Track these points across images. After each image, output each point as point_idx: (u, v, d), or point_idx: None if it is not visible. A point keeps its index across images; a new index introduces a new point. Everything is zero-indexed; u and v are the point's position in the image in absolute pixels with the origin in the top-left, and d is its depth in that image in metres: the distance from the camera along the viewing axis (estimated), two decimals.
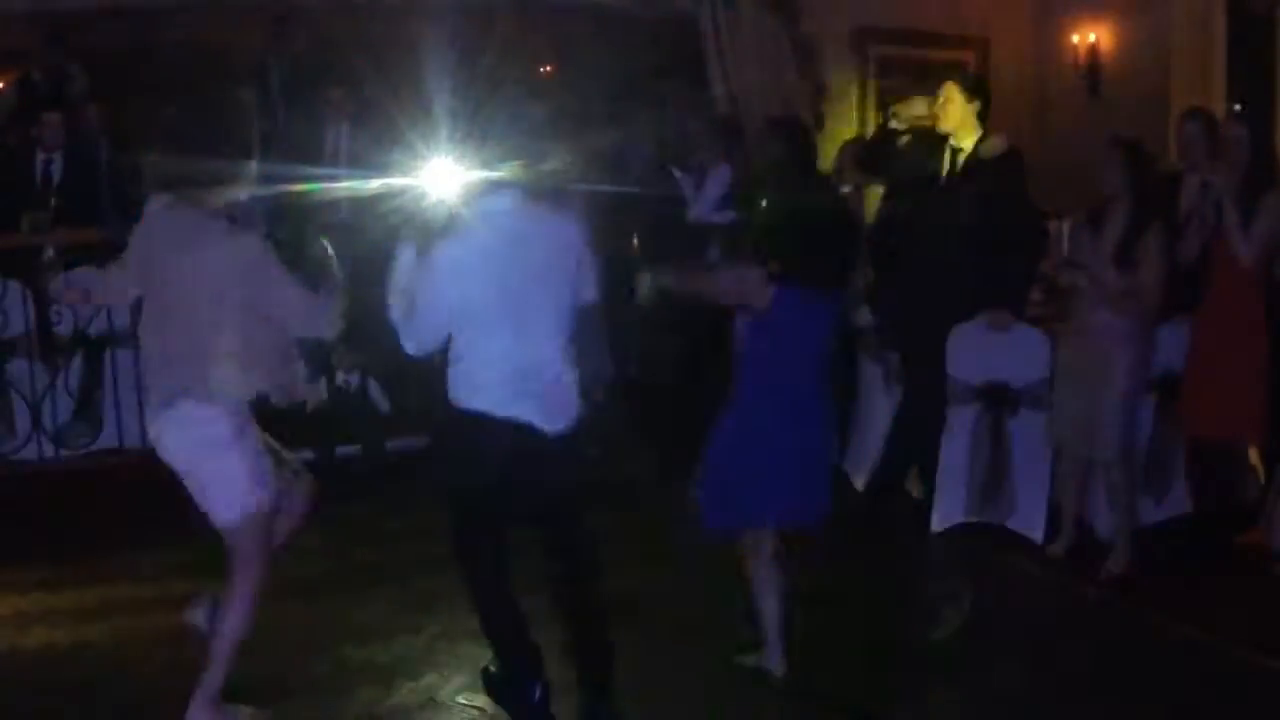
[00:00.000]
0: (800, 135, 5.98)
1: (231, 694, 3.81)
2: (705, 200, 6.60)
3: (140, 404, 6.14)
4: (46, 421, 6.13)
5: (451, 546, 3.56)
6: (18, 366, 6.24)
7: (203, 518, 3.56)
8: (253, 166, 3.45)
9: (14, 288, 6.25)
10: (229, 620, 3.47)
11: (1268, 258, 4.82)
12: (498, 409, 3.35)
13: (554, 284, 3.45)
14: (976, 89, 5.24)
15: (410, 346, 3.41)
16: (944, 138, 5.26)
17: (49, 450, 6.06)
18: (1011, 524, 5.26)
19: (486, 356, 3.35)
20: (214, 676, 3.45)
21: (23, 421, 6.20)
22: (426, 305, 3.34)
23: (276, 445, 3.64)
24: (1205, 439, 5.07)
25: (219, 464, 3.35)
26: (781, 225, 3.95)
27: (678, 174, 6.71)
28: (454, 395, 3.42)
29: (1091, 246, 4.78)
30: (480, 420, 3.36)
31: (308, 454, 6.28)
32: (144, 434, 6.11)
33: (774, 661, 3.86)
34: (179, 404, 3.32)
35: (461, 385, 3.40)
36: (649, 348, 6.76)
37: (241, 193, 3.46)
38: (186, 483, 3.41)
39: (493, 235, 3.40)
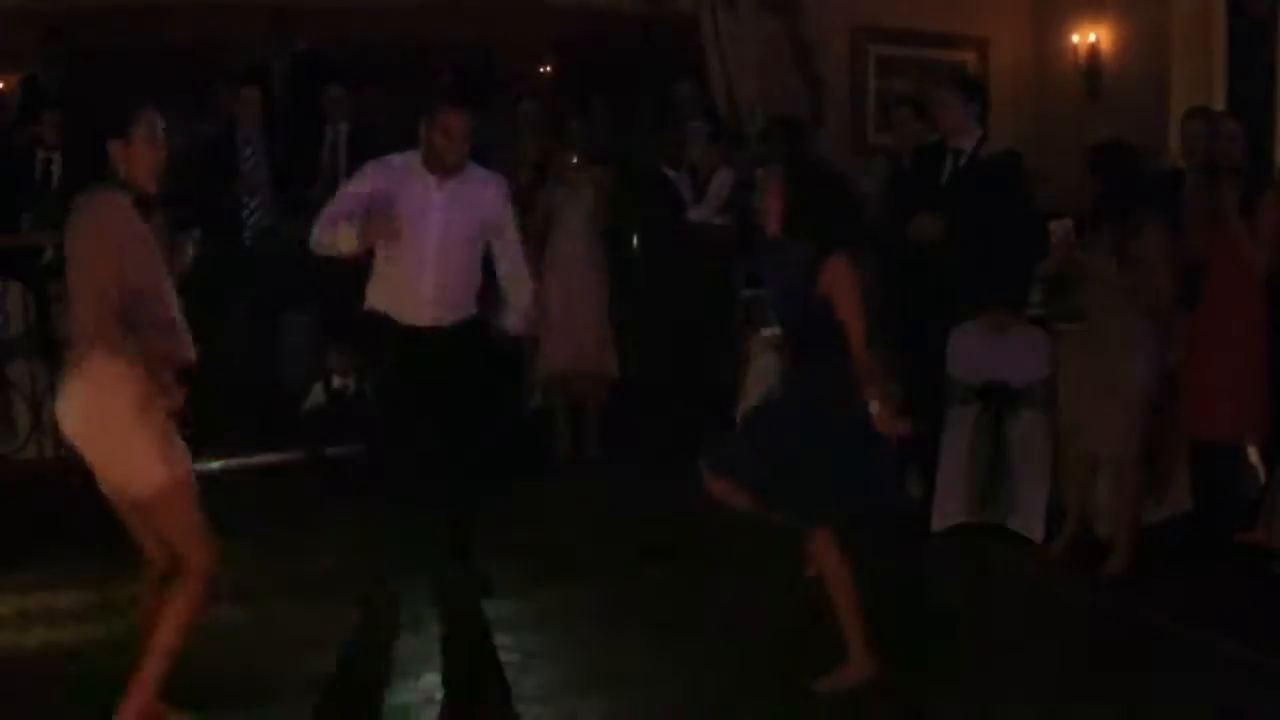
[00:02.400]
0: (804, 135, 6.05)
1: (231, 694, 3.82)
2: (709, 202, 6.60)
3: None
4: (46, 421, 6.13)
5: None
6: (18, 367, 6.24)
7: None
8: None
9: (14, 288, 6.25)
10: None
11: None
12: None
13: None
14: (975, 90, 5.25)
15: None
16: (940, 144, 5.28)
17: (49, 450, 6.06)
18: (1011, 524, 5.26)
19: None
20: (150, 670, 3.38)
21: (23, 421, 6.20)
22: None
23: None
24: (1206, 439, 5.06)
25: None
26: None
27: (672, 175, 6.72)
28: None
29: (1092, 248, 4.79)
30: None
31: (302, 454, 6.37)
32: None
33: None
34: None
35: None
36: (649, 347, 6.78)
37: None
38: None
39: None
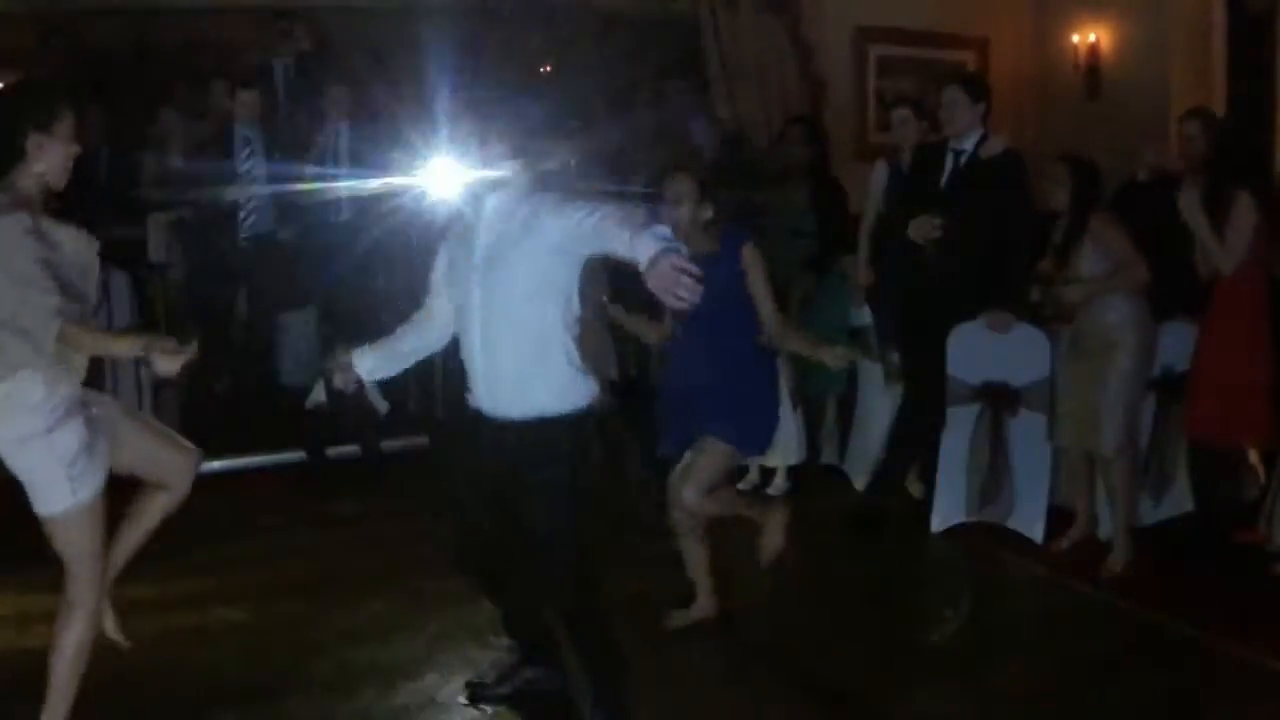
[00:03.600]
0: (820, 134, 6.10)
1: (231, 694, 3.82)
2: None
3: (140, 404, 6.17)
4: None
5: None
6: None
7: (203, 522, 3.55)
8: None
9: (120, 278, 6.23)
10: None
11: (1267, 258, 4.82)
12: None
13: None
14: (980, 90, 5.25)
15: None
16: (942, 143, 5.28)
17: None
18: (1011, 524, 5.26)
19: None
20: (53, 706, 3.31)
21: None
22: None
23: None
24: (1208, 440, 5.06)
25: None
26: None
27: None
28: None
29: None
30: None
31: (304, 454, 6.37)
32: None
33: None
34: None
35: None
36: (647, 347, 6.77)
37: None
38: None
39: None
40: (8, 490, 3.27)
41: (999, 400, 5.26)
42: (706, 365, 4.09)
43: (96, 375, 6.15)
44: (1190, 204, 4.69)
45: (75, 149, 3.23)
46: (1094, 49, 7.58)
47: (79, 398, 3.23)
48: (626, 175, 6.70)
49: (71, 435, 3.16)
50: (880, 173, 5.96)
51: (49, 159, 3.16)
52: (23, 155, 3.13)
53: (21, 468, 3.18)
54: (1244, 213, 4.66)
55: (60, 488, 3.16)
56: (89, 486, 3.19)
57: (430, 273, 3.56)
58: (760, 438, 4.22)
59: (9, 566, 4.83)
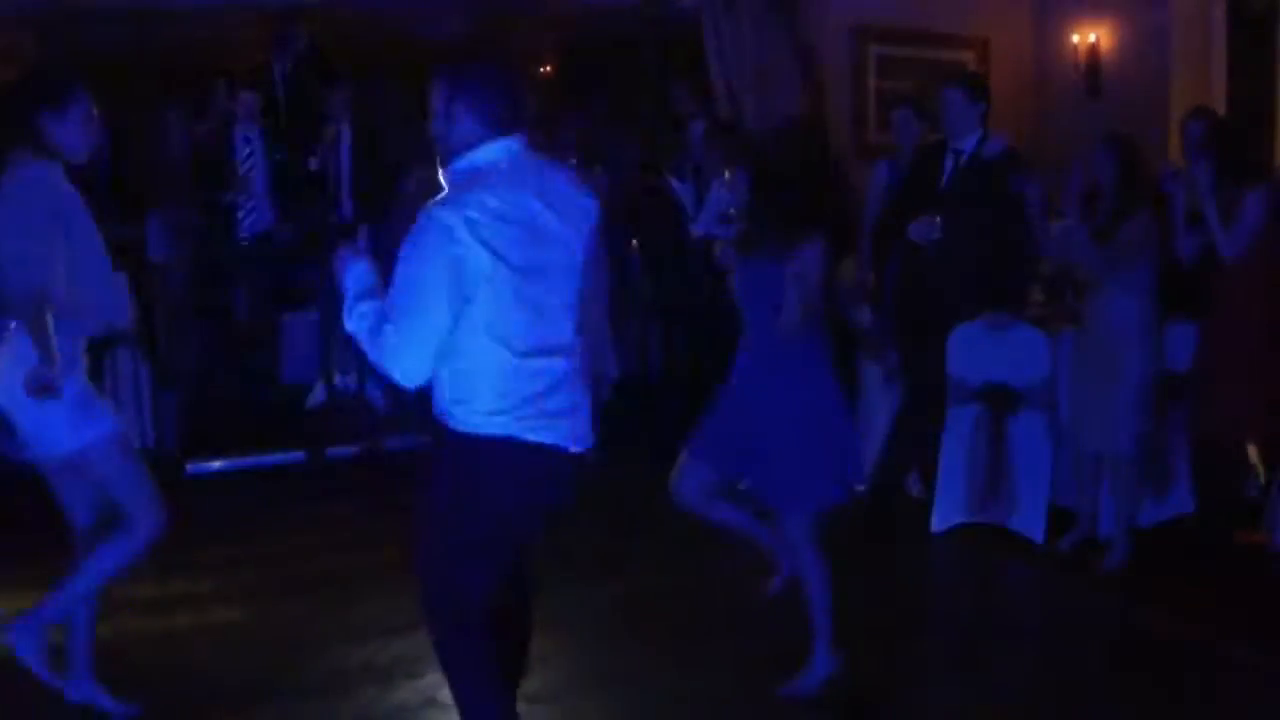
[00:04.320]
0: (820, 136, 6.08)
1: (231, 694, 3.82)
2: (708, 211, 6.59)
3: (140, 404, 6.17)
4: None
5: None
6: (119, 356, 6.23)
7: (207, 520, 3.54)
8: None
9: (119, 279, 6.22)
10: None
11: (1268, 255, 4.82)
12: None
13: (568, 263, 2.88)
14: (980, 90, 5.24)
15: (402, 374, 2.80)
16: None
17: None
18: (1011, 524, 5.26)
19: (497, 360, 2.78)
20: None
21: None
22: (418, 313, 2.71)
23: None
24: (1210, 437, 5.06)
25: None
26: None
27: (676, 185, 6.71)
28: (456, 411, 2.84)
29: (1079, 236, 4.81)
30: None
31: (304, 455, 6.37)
32: (144, 434, 6.19)
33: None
34: None
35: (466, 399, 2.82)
36: (650, 346, 6.78)
37: None
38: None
39: (495, 199, 2.74)
40: (8, 490, 3.27)
41: (999, 400, 5.26)
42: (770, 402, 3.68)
43: (96, 375, 6.21)
44: (1201, 184, 4.68)
45: (95, 133, 3.36)
46: (1094, 49, 7.57)
47: (77, 358, 3.27)
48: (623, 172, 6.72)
49: (68, 384, 3.17)
50: (880, 173, 5.96)
51: (65, 137, 3.28)
52: (38, 134, 3.23)
53: (20, 417, 3.23)
54: (1253, 205, 4.66)
55: (62, 430, 3.21)
56: (95, 427, 3.25)
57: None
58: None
59: (9, 567, 4.83)
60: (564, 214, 2.85)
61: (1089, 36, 7.59)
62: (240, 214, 6.99)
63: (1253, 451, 5.23)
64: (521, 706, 3.72)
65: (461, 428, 2.81)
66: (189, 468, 6.15)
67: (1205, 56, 7.06)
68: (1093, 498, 5.05)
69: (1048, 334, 5.24)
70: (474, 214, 2.67)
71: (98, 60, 7.42)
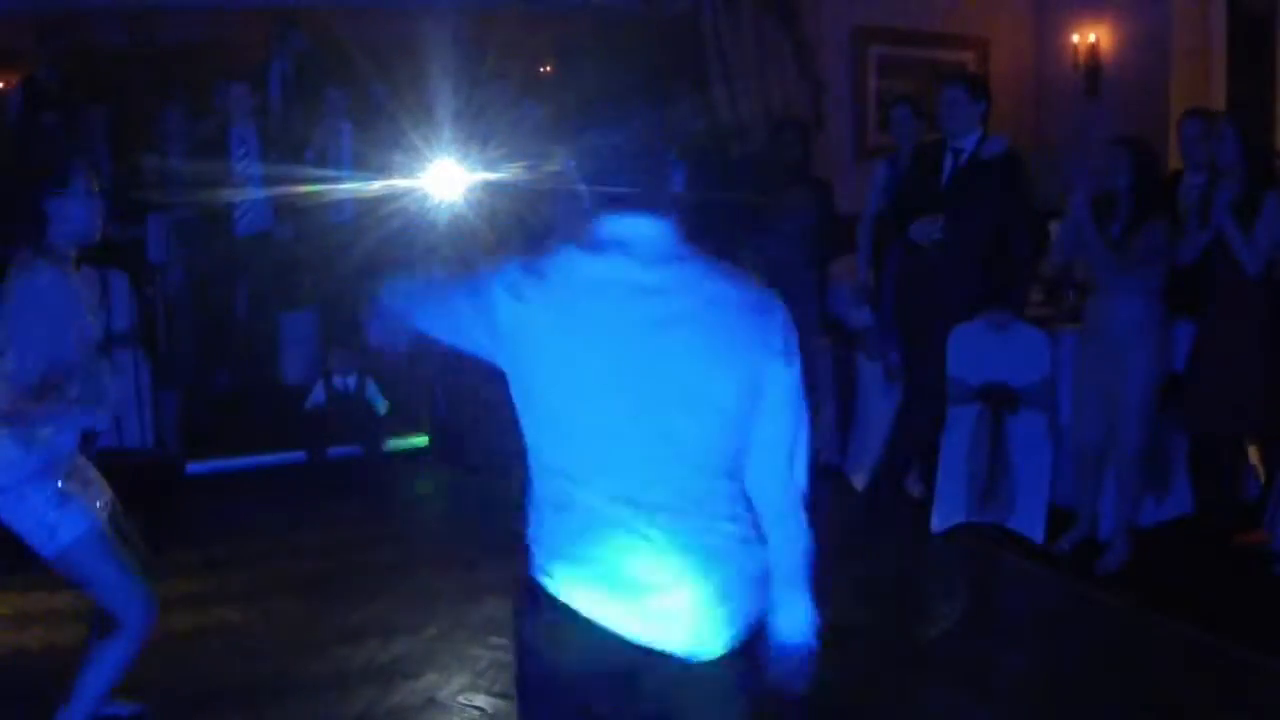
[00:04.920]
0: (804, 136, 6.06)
1: (231, 694, 3.82)
2: None
3: (140, 404, 6.17)
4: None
5: None
6: (120, 359, 6.23)
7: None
8: None
9: (120, 281, 6.22)
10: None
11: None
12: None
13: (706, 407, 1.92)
14: (980, 90, 5.24)
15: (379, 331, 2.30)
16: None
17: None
18: (1011, 524, 5.26)
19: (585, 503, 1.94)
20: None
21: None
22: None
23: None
24: (1209, 437, 5.06)
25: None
26: None
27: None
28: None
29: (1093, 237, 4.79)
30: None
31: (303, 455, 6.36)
32: (144, 434, 6.19)
33: None
34: None
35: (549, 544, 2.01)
36: None
37: None
38: None
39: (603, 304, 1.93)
40: None
41: (999, 400, 5.26)
42: None
43: (95, 375, 6.21)
44: (1224, 203, 4.68)
45: (98, 201, 3.27)
46: (1094, 49, 7.58)
47: (62, 465, 3.22)
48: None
49: (40, 492, 3.15)
50: (880, 173, 5.96)
51: (72, 215, 3.20)
52: (45, 218, 3.17)
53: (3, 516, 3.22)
54: (1275, 213, 4.65)
55: (40, 534, 3.19)
56: (70, 530, 3.19)
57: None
58: None
59: (9, 566, 4.83)
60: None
61: (1089, 36, 7.60)
62: (238, 214, 6.98)
63: (1253, 451, 5.23)
64: (503, 704, 3.74)
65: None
66: (189, 468, 6.15)
67: (1205, 56, 7.07)
68: (1093, 498, 5.05)
69: (1048, 334, 5.24)
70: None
71: (98, 60, 7.43)
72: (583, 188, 2.12)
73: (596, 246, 1.99)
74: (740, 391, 1.93)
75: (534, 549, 2.02)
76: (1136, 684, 3.90)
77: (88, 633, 3.36)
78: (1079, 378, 5.00)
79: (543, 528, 2.00)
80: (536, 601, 2.00)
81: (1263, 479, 5.17)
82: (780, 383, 1.96)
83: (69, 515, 3.20)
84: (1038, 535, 5.18)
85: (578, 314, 1.91)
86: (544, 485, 1.98)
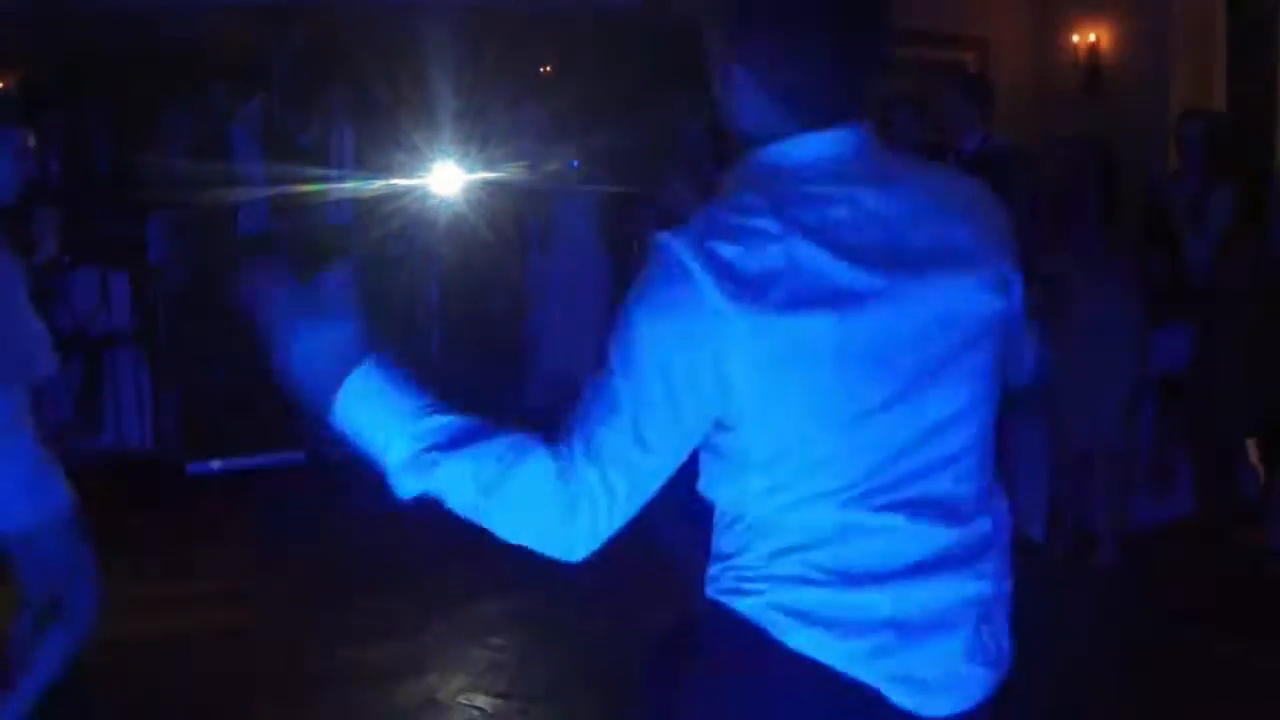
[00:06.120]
0: None
1: (232, 694, 3.82)
2: None
3: (140, 404, 6.17)
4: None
5: None
6: (121, 357, 6.23)
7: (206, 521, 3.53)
8: None
9: (120, 279, 6.23)
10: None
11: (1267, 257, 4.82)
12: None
13: (970, 370, 1.58)
14: (981, 91, 5.24)
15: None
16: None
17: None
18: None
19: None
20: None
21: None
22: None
23: None
24: (1210, 437, 5.07)
25: None
26: None
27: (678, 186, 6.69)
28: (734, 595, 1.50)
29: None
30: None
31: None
32: (144, 434, 6.19)
33: None
34: None
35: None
36: None
37: None
38: None
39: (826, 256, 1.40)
40: None
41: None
42: None
43: (97, 371, 6.22)
44: (1177, 192, 4.70)
45: (26, 164, 3.15)
46: (1094, 49, 7.58)
47: (23, 423, 3.09)
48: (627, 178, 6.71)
49: (21, 454, 3.03)
50: None
51: None
52: None
53: None
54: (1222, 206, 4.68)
55: (15, 503, 3.03)
56: (51, 503, 3.09)
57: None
58: None
59: (9, 567, 4.83)
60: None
61: (1089, 36, 7.60)
62: (238, 214, 6.98)
63: (1253, 451, 5.23)
64: (517, 706, 3.74)
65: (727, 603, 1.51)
66: (189, 468, 6.15)
67: (1205, 56, 7.07)
68: (1081, 495, 5.04)
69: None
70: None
71: (97, 60, 7.44)
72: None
73: None
74: None
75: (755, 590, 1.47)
76: (1136, 684, 3.90)
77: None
78: (1062, 376, 4.98)
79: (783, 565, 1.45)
80: (761, 660, 1.46)
81: (1263, 479, 5.17)
82: None
83: (50, 482, 3.09)
84: (1038, 535, 5.17)
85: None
86: (798, 515, 1.44)
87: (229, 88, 7.24)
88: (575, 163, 6.56)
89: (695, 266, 1.36)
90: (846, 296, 1.38)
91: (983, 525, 1.56)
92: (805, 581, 1.44)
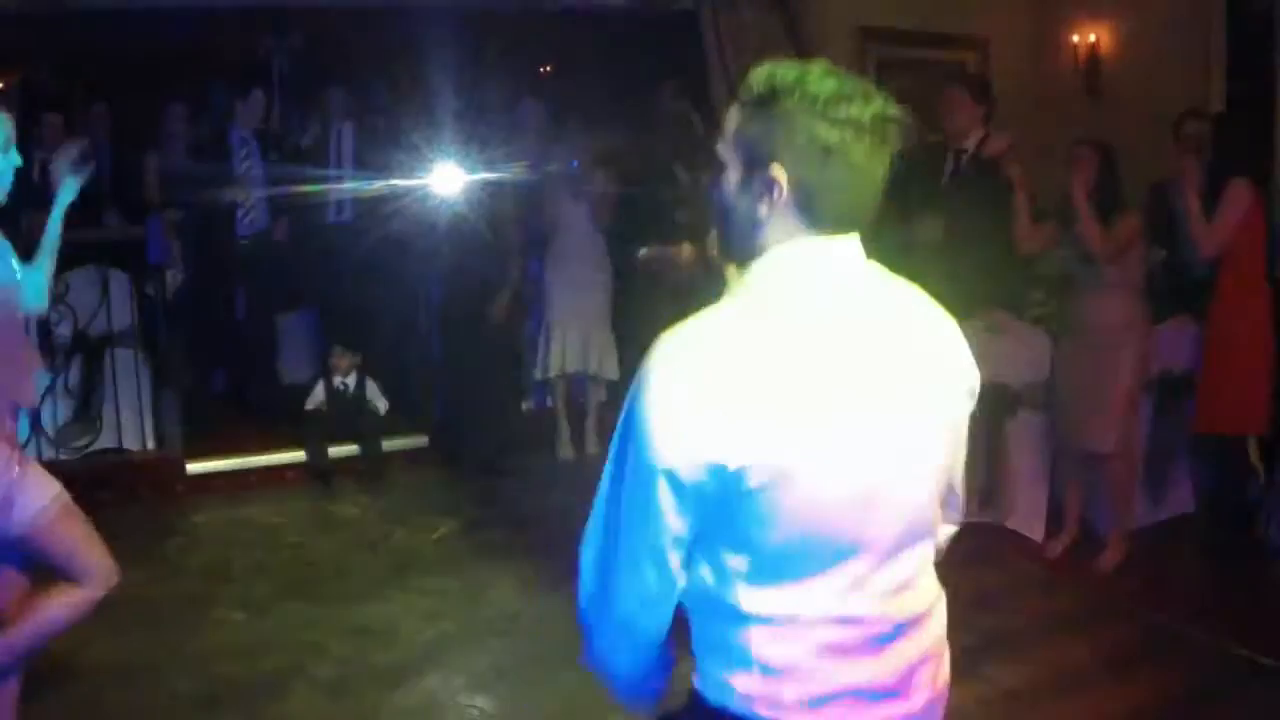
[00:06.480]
0: None
1: (232, 694, 3.82)
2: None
3: (140, 404, 6.17)
4: (46, 422, 6.12)
5: None
6: (121, 358, 6.22)
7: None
8: None
9: (118, 278, 6.22)
10: None
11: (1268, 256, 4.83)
12: None
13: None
14: (983, 92, 5.25)
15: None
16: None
17: (49, 451, 6.06)
18: (1011, 524, 5.26)
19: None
20: None
21: (22, 422, 6.18)
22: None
23: None
24: (1210, 437, 5.07)
25: None
26: None
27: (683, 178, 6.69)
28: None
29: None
30: None
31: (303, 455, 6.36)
32: (144, 434, 6.19)
33: None
34: None
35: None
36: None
37: None
38: None
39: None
40: None
41: (998, 400, 5.26)
42: None
43: (97, 371, 6.21)
44: (1189, 187, 4.71)
45: (13, 159, 3.12)
46: (1094, 49, 7.58)
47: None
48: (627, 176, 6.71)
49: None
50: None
51: None
52: None
53: None
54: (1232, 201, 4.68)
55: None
56: (35, 504, 3.02)
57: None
58: None
59: None
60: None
61: (1089, 36, 7.60)
62: (239, 214, 6.98)
63: (1253, 451, 5.24)
64: (519, 705, 3.74)
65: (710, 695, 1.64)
66: (189, 468, 6.15)
67: (1205, 56, 7.06)
68: (1080, 497, 5.05)
69: (1048, 334, 5.24)
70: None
71: (98, 60, 7.44)
72: None
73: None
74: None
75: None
76: (1136, 683, 3.90)
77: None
78: (1063, 376, 4.99)
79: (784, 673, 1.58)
80: None
81: (1262, 479, 5.17)
82: None
83: (31, 486, 3.02)
84: (1038, 535, 5.18)
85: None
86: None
87: (229, 88, 7.23)
88: (575, 163, 6.56)
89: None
90: None
91: None
92: None
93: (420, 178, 6.20)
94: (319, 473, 6.20)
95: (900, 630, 1.64)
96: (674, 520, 1.54)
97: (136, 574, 4.11)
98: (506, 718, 3.74)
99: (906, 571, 1.65)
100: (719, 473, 1.49)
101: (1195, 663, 4.07)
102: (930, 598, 1.73)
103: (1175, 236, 5.10)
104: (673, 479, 1.51)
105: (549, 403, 6.82)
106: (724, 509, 1.53)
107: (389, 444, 6.45)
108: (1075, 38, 7.68)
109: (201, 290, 6.87)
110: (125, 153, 6.91)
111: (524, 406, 6.96)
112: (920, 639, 1.68)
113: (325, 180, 6.95)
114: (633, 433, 1.55)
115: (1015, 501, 5.26)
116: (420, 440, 6.63)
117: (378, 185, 6.41)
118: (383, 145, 6.57)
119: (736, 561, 1.56)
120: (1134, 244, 4.70)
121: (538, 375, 6.69)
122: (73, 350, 6.26)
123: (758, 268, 1.62)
